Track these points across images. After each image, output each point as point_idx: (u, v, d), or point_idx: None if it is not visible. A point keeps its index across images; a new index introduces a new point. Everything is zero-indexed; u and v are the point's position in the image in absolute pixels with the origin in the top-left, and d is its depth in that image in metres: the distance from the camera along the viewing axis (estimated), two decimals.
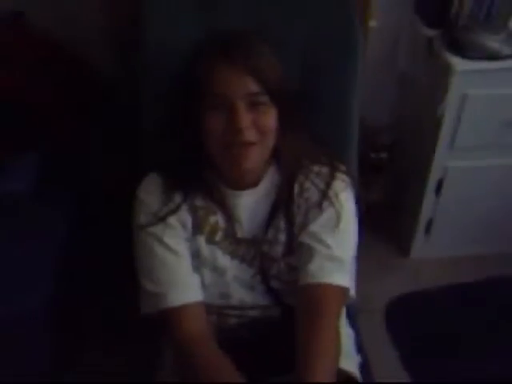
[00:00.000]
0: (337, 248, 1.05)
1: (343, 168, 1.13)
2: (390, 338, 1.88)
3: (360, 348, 1.26)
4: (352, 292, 1.09)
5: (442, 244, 2.14)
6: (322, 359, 0.96)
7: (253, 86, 0.97)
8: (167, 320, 1.05)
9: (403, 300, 2.02)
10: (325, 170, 1.10)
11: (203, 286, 1.09)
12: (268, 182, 1.11)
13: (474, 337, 1.86)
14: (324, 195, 1.07)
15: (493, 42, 1.71)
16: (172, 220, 1.06)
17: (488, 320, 1.92)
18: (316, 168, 1.11)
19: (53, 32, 1.72)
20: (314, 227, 1.06)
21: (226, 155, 1.01)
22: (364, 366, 1.22)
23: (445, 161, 1.90)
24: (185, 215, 1.08)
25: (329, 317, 1.01)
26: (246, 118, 0.97)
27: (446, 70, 1.71)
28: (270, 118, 1.01)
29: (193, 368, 1.02)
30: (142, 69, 1.23)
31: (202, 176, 1.09)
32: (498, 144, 1.87)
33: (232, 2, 1.23)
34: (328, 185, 1.08)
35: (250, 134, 0.99)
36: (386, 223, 2.18)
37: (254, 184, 1.10)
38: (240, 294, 1.12)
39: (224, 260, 1.10)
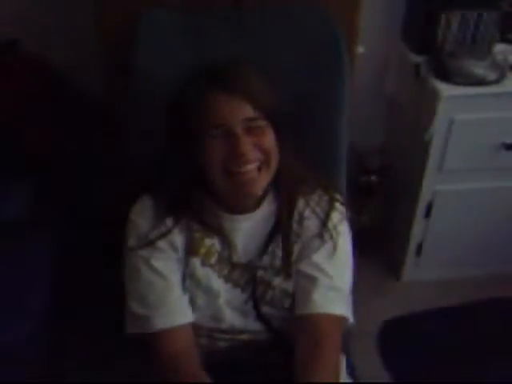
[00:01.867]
0: (337, 278, 1.07)
1: (339, 198, 1.15)
2: (382, 361, 1.87)
3: (352, 372, 1.26)
4: (351, 320, 1.10)
5: (433, 267, 2.14)
6: None
7: (249, 111, 0.99)
8: (151, 341, 1.06)
9: (395, 323, 2.01)
10: (324, 199, 1.12)
11: (196, 307, 1.09)
12: (266, 208, 1.12)
13: (466, 360, 1.86)
14: (324, 226, 1.09)
15: (478, 68, 1.74)
16: (161, 243, 1.06)
17: (480, 343, 1.92)
18: (315, 197, 1.12)
19: (49, 58, 1.74)
20: (316, 258, 1.07)
21: (230, 182, 1.01)
22: None
23: (433, 184, 1.92)
24: (175, 237, 1.08)
25: (331, 345, 1.03)
26: (246, 143, 0.98)
27: (432, 96, 1.74)
28: (269, 137, 1.02)
29: None
30: (133, 94, 1.24)
31: (198, 200, 1.10)
32: (486, 167, 1.89)
33: (222, 32, 1.26)
34: (327, 216, 1.10)
35: (253, 155, 1.00)
36: (376, 246, 2.18)
37: (252, 209, 1.11)
38: (231, 319, 1.12)
39: (217, 283, 1.10)
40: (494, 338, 1.93)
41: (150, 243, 1.06)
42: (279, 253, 1.10)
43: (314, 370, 0.99)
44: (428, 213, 1.99)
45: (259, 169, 1.02)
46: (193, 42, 1.24)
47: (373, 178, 2.16)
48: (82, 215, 1.68)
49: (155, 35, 1.25)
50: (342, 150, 1.30)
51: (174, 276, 1.07)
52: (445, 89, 1.73)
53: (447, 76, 1.75)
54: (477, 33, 1.81)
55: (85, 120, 1.76)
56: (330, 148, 1.29)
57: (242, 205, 1.10)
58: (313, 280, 1.06)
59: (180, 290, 1.08)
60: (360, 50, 1.73)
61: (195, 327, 1.09)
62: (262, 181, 1.03)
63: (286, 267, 1.09)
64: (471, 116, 1.77)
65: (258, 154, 1.00)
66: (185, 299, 1.08)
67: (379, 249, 2.23)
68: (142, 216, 1.09)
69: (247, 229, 1.11)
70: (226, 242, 1.10)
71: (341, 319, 1.06)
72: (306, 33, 1.27)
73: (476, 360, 1.85)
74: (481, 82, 1.73)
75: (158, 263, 1.06)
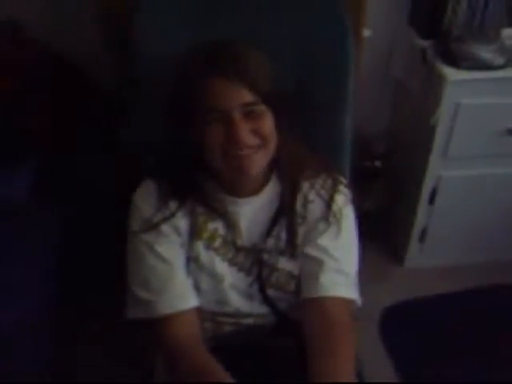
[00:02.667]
0: (344, 262, 1.07)
1: (344, 180, 1.14)
2: (385, 347, 1.88)
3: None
4: (359, 303, 1.10)
5: (437, 253, 2.14)
6: (344, 373, 0.98)
7: (247, 96, 0.97)
8: (156, 326, 1.06)
9: (398, 309, 2.01)
10: (329, 182, 1.12)
11: (200, 291, 1.09)
12: (270, 191, 1.11)
13: (469, 346, 1.86)
14: (329, 209, 1.08)
15: (485, 53, 1.72)
16: (165, 227, 1.06)
17: (483, 329, 1.92)
18: (320, 180, 1.11)
19: (49, 41, 1.72)
20: (322, 241, 1.07)
21: (228, 165, 1.01)
22: (359, 375, 1.22)
23: (438, 170, 1.91)
24: (179, 221, 1.07)
25: (345, 328, 1.03)
26: (244, 129, 0.97)
27: (439, 80, 1.73)
28: (267, 122, 1.01)
29: (180, 370, 1.02)
30: (133, 79, 1.23)
31: (201, 183, 1.09)
32: (491, 153, 1.88)
33: (225, 14, 1.24)
34: (332, 198, 1.09)
35: (251, 141, 0.99)
36: (380, 232, 2.18)
37: (255, 192, 1.10)
38: (236, 302, 1.12)
39: (222, 267, 1.10)
40: (499, 325, 1.93)
41: (154, 227, 1.05)
42: (284, 236, 1.10)
43: (329, 357, 0.99)
44: (432, 199, 1.98)
45: (255, 151, 1.00)
46: (193, 18, 1.22)
47: (377, 163, 2.15)
48: (79, 196, 1.67)
49: (156, 9, 1.22)
50: (347, 134, 1.28)
51: (178, 260, 1.07)
52: (451, 73, 1.71)
53: (454, 60, 1.73)
54: (484, 17, 1.79)
55: (86, 102, 1.75)
56: (334, 132, 1.28)
57: (243, 187, 1.09)
58: (319, 263, 1.06)
59: (184, 274, 1.08)
60: (367, 33, 1.72)
61: (199, 311, 1.09)
62: (259, 161, 1.02)
63: (292, 249, 1.09)
64: (477, 101, 1.75)
65: (256, 139, 0.99)
66: (189, 284, 1.08)
67: (383, 234, 2.23)
68: (145, 200, 1.08)
69: (251, 212, 1.10)
70: (230, 225, 1.10)
71: (349, 302, 1.07)
72: (311, 14, 1.25)
73: (479, 348, 1.86)
74: (488, 66, 1.72)
75: (162, 248, 1.06)
